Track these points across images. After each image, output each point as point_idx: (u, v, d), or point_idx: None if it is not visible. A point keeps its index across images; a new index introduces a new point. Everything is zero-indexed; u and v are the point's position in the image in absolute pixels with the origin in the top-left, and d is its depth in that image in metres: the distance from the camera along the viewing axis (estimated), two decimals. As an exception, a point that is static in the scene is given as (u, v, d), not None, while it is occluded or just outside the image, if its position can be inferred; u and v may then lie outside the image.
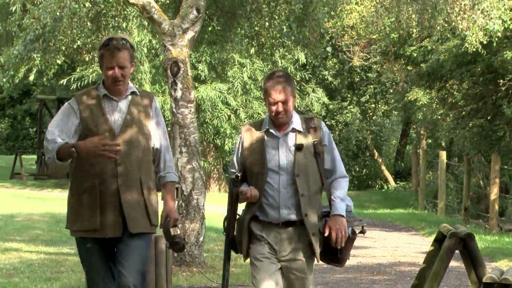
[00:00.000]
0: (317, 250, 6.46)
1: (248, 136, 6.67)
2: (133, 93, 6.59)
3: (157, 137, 6.68)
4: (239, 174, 6.55)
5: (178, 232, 7.36)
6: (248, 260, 6.79)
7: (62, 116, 6.51)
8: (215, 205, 23.76)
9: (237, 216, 6.72)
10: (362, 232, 6.65)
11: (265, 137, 6.55)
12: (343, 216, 6.41)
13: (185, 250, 15.87)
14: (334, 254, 6.49)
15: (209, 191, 28.30)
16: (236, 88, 29.82)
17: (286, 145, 6.48)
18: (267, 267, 6.52)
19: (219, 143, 31.25)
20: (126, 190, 6.40)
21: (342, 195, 6.53)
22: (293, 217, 6.47)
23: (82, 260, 6.62)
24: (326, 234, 6.36)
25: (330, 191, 6.57)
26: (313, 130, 6.52)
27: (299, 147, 6.41)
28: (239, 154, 6.70)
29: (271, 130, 6.52)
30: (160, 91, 27.51)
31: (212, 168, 32.78)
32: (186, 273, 15.15)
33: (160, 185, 6.74)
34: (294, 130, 6.49)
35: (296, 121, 6.54)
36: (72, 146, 6.18)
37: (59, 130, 6.40)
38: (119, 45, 6.47)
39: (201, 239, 16.14)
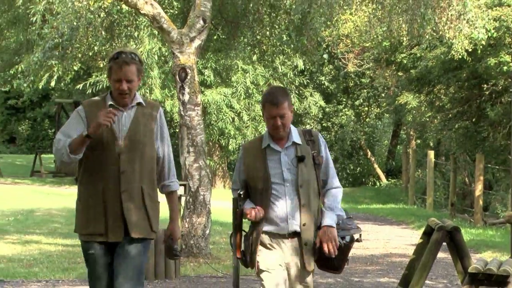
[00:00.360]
0: (307, 260, 6.27)
1: (249, 154, 6.44)
2: (139, 104, 6.34)
3: (161, 146, 6.44)
4: (241, 192, 6.30)
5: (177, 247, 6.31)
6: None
7: (70, 124, 6.33)
8: (220, 201, 23.75)
9: (243, 233, 6.47)
10: (358, 240, 6.40)
11: (267, 152, 6.32)
12: (332, 226, 6.20)
13: (192, 242, 16.02)
14: (330, 262, 6.30)
15: (215, 187, 28.22)
16: (239, 92, 29.76)
17: (288, 158, 6.25)
18: (275, 279, 6.28)
19: (224, 144, 31.18)
20: (127, 197, 6.19)
21: (332, 206, 6.33)
22: (297, 228, 6.26)
23: (87, 264, 6.42)
24: (318, 245, 6.20)
25: (323, 201, 6.40)
26: (312, 142, 6.32)
27: (301, 159, 6.20)
28: (241, 172, 6.45)
29: (272, 145, 6.29)
30: (169, 95, 27.49)
31: (218, 166, 32.72)
32: (193, 264, 15.17)
33: (163, 193, 6.55)
34: (294, 143, 6.27)
35: (295, 135, 6.33)
36: (82, 137, 6.03)
37: (67, 137, 6.18)
38: (127, 59, 6.25)
39: (207, 232, 16.18)
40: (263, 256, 6.35)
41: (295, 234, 6.28)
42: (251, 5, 20.44)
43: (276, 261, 6.32)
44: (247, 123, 30.45)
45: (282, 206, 6.22)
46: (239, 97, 29.95)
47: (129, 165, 6.19)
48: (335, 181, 6.37)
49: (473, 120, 26.30)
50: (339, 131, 41.62)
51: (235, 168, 6.70)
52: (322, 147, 6.35)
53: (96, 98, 6.61)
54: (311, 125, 35.43)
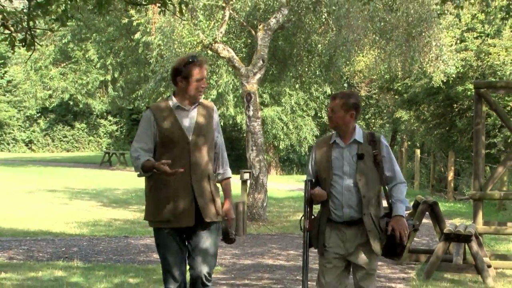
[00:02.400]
0: (374, 245, 5.16)
1: (319, 148, 5.41)
2: (199, 104, 5.28)
3: (218, 140, 5.36)
4: (313, 180, 5.34)
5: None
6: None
7: (142, 128, 5.22)
8: (274, 183, 23.83)
9: (313, 216, 5.45)
10: (415, 229, 5.53)
11: (333, 147, 5.30)
12: (403, 216, 5.19)
13: (255, 211, 16.06)
14: (394, 249, 5.19)
15: (270, 174, 28.23)
16: (286, 109, 29.82)
17: (349, 154, 5.24)
18: (333, 272, 5.28)
19: (276, 144, 31.22)
20: (198, 186, 5.14)
21: (401, 198, 5.27)
22: (355, 215, 5.22)
23: (159, 246, 5.25)
24: (389, 232, 5.13)
25: (390, 195, 5.30)
26: (374, 143, 5.26)
27: (360, 156, 5.20)
28: (312, 163, 5.42)
29: (337, 141, 5.27)
30: (239, 112, 27.54)
31: (271, 160, 32.69)
32: (255, 226, 15.19)
33: (219, 181, 5.41)
34: (356, 141, 5.25)
35: (359, 134, 5.30)
36: (152, 166, 4.97)
37: (142, 143, 5.17)
38: (204, 60, 5.32)
39: (265, 204, 16.23)
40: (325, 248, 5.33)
41: (353, 222, 5.23)
42: (294, 50, 20.45)
43: (333, 254, 5.28)
44: (292, 131, 30.49)
45: (339, 196, 5.23)
46: (286, 112, 30.02)
47: (198, 157, 5.18)
48: (400, 176, 5.34)
49: (447, 128, 26.12)
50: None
51: (307, 161, 5.72)
52: (383, 148, 5.33)
53: (161, 100, 5.61)
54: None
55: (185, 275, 5.24)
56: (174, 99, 5.25)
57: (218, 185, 5.40)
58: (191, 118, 5.24)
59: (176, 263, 5.17)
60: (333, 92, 31.99)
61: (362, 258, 5.20)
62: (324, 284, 5.30)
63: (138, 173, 5.11)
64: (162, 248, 5.20)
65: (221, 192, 5.44)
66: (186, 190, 5.11)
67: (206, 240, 5.18)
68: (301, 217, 5.39)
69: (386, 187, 5.28)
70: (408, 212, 5.33)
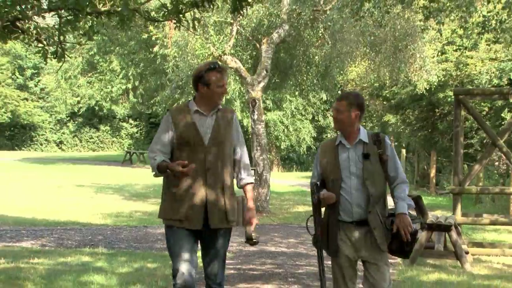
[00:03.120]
0: (381, 242, 4.63)
1: (324, 151, 4.89)
2: (219, 109, 4.75)
3: (238, 145, 4.81)
4: (318, 182, 4.80)
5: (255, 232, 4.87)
6: None
7: (161, 130, 4.74)
8: (276, 179, 23.75)
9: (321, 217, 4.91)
10: (422, 228, 4.95)
11: (339, 149, 4.78)
12: (406, 214, 4.67)
13: (258, 204, 16.05)
14: (401, 247, 4.67)
15: (272, 171, 28.24)
16: (287, 114, 29.79)
17: (355, 154, 4.73)
18: (347, 273, 4.76)
19: (278, 144, 31.20)
20: (211, 191, 4.60)
21: (403, 196, 4.75)
22: (364, 215, 4.70)
23: (169, 242, 4.71)
24: (394, 230, 4.61)
25: (393, 193, 4.81)
26: (378, 143, 4.76)
27: (366, 156, 4.69)
28: (318, 165, 4.90)
29: (343, 142, 4.75)
30: (245, 116, 27.52)
31: (274, 158, 32.66)
32: (259, 217, 15.15)
33: (240, 186, 4.84)
34: (361, 141, 4.74)
35: (363, 135, 4.78)
36: (166, 166, 4.52)
37: (160, 144, 4.70)
38: (224, 68, 4.79)
39: (268, 198, 16.21)
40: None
41: (362, 223, 4.69)
42: (294, 61, 20.42)
43: (345, 258, 4.74)
44: (292, 133, 30.47)
45: (348, 197, 4.68)
46: (287, 116, 30.00)
47: (214, 163, 4.62)
48: (402, 176, 4.83)
49: (429, 130, 26.04)
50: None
51: (313, 164, 5.09)
52: (387, 148, 4.81)
53: (181, 104, 5.04)
54: (331, 134, 34.76)
55: (194, 272, 4.70)
56: (194, 104, 4.73)
57: (240, 190, 4.87)
58: (209, 123, 4.70)
59: (185, 260, 4.64)
60: (328, 98, 32.16)
61: (373, 255, 4.71)
62: (341, 286, 4.80)
63: (154, 173, 4.70)
64: (173, 245, 4.67)
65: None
66: (199, 193, 4.59)
67: (214, 244, 4.71)
68: (307, 220, 4.87)
69: (390, 186, 4.81)
70: (410, 210, 4.78)
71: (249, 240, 4.73)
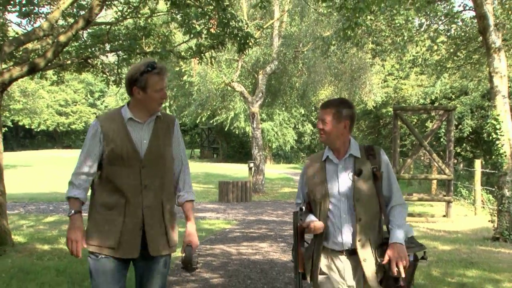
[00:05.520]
0: (370, 278, 2.74)
1: (310, 167, 2.99)
2: (157, 116, 2.88)
3: (178, 157, 2.93)
4: (303, 207, 2.94)
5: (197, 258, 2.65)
6: None
7: (87, 143, 2.78)
8: (268, 169, 23.60)
9: (305, 245, 2.96)
10: (424, 258, 2.92)
11: (326, 165, 2.93)
12: (401, 243, 2.76)
13: (257, 186, 15.95)
14: (395, 281, 2.78)
15: (266, 163, 28.13)
16: (277, 123, 29.68)
17: (345, 171, 2.89)
18: None
19: (270, 145, 31.09)
20: (149, 212, 2.76)
21: (400, 222, 2.87)
22: (354, 244, 2.82)
23: (94, 276, 2.70)
24: (385, 262, 2.72)
25: (388, 218, 2.89)
26: (372, 157, 2.91)
27: (358, 173, 2.86)
28: (303, 185, 3.02)
29: (330, 157, 2.92)
30: (247, 125, 27.43)
31: (267, 154, 32.52)
32: (257, 196, 15.10)
33: (179, 204, 2.93)
34: (351, 156, 2.90)
35: (354, 148, 2.92)
36: (76, 211, 2.68)
37: (87, 166, 2.73)
38: (164, 68, 2.83)
39: (263, 182, 16.13)
40: (323, 281, 2.87)
41: (353, 252, 2.80)
42: (281, 87, 20.43)
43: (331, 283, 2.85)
44: (280, 137, 30.34)
45: (337, 221, 2.84)
46: (276, 125, 29.84)
47: (151, 179, 2.77)
48: (399, 197, 2.91)
49: (376, 135, 25.97)
50: (318, 146, 40.79)
51: (298, 182, 3.14)
52: (382, 163, 2.92)
53: (113, 110, 2.92)
54: (308, 138, 34.33)
55: None
56: (128, 111, 2.80)
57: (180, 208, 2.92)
58: (146, 133, 2.81)
59: None
60: (305, 113, 31.88)
61: None
62: None
63: (66, 194, 2.75)
64: (98, 281, 2.70)
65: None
66: (135, 216, 2.71)
67: (153, 275, 2.81)
68: (292, 249, 2.94)
69: (383, 208, 2.84)
70: (410, 236, 2.90)
71: (187, 265, 2.78)
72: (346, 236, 2.77)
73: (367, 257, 2.74)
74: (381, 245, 2.77)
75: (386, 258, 2.67)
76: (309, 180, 2.91)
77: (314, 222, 2.77)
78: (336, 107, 2.83)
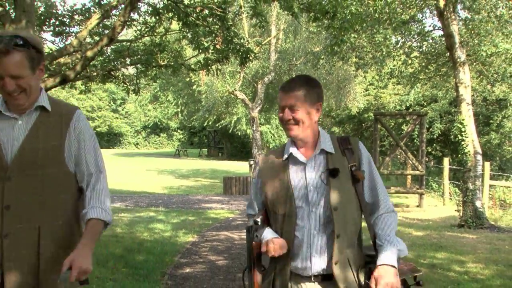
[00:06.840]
0: None
1: (267, 168, 1.72)
2: (42, 108, 1.55)
3: (82, 164, 1.60)
4: (258, 220, 1.67)
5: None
6: None
7: None
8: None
9: (262, 269, 1.73)
10: (419, 284, 1.61)
11: (289, 166, 1.67)
12: (394, 266, 1.55)
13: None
14: None
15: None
16: (273, 127, 29.67)
17: (315, 172, 1.64)
18: None
19: (268, 145, 31.02)
20: (11, 244, 1.48)
21: (391, 238, 1.61)
22: (328, 267, 1.64)
23: None
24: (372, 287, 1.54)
25: (374, 231, 1.66)
26: (349, 152, 1.66)
27: (333, 173, 1.61)
28: (258, 191, 1.75)
29: (295, 155, 1.66)
30: (248, 127, 27.37)
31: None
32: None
33: (83, 221, 1.57)
34: (323, 151, 1.67)
35: (326, 141, 1.69)
36: None
37: None
38: (9, 46, 1.39)
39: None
40: None
41: (324, 277, 1.65)
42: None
43: None
44: (276, 138, 30.28)
45: (305, 239, 1.64)
46: (274, 129, 29.83)
47: (19, 196, 1.52)
48: (386, 203, 1.70)
49: (359, 137, 25.94)
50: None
51: (251, 190, 1.80)
52: (363, 159, 1.69)
53: None
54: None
55: None
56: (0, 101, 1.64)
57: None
58: (20, 131, 1.61)
59: None
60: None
61: None
62: None
63: None
64: None
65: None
66: None
67: None
68: (243, 273, 1.81)
69: (366, 219, 1.75)
70: (403, 256, 1.68)
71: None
72: (316, 258, 1.69)
73: (347, 283, 1.66)
74: (366, 263, 1.70)
75: (373, 283, 1.61)
76: (266, 185, 1.75)
77: (274, 240, 1.67)
78: (306, 86, 1.73)
